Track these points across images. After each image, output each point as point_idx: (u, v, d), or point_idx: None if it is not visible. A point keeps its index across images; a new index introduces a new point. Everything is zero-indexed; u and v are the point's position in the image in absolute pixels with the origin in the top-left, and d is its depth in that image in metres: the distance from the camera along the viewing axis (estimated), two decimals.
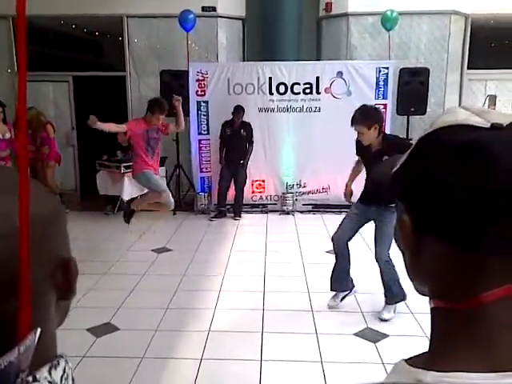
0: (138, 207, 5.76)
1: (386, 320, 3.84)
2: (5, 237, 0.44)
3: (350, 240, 3.99)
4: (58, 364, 0.48)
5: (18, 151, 0.44)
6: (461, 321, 0.54)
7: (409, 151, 0.59)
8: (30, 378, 0.44)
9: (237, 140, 7.00)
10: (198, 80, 7.29)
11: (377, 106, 7.19)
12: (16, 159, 6.71)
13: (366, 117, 3.77)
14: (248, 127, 7.06)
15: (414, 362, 0.56)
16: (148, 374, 3.14)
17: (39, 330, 0.44)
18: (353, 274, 4.96)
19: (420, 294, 0.64)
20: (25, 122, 0.44)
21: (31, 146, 7.21)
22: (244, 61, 8.27)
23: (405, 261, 0.62)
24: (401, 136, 7.60)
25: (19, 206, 0.43)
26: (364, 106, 3.99)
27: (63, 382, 0.48)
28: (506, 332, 0.53)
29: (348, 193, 4.31)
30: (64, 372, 0.48)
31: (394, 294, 3.88)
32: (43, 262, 0.48)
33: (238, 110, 6.94)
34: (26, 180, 0.43)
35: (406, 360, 0.57)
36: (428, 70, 7.29)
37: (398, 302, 3.91)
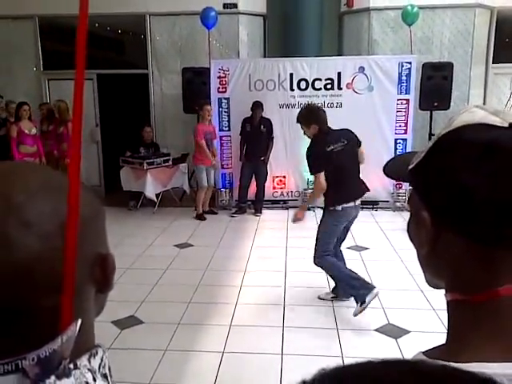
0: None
1: (354, 315, 3.80)
2: (48, 235, 0.47)
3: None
4: (97, 353, 0.51)
5: (68, 152, 0.47)
6: (479, 313, 0.56)
7: (428, 149, 0.60)
8: (72, 365, 0.47)
9: (257, 136, 7.01)
10: (219, 77, 7.33)
11: (399, 100, 7.17)
12: (42, 156, 6.87)
13: (305, 117, 4.04)
14: (268, 123, 7.07)
15: (432, 353, 0.57)
16: (171, 366, 3.21)
17: (80, 320, 0.48)
18: (374, 270, 4.95)
19: (432, 287, 0.66)
20: (78, 122, 0.47)
21: (51, 142, 7.32)
22: (265, 57, 8.28)
23: (419, 256, 0.64)
24: (424, 131, 7.54)
25: (68, 206, 0.46)
26: (307, 107, 4.27)
27: (101, 369, 0.51)
28: None
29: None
30: (102, 361, 0.52)
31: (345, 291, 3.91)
32: (84, 258, 0.50)
33: (257, 105, 6.95)
34: (77, 181, 0.46)
35: (423, 352, 0.59)
36: (451, 64, 7.18)
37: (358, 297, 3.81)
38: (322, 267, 3.97)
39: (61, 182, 0.49)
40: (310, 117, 4.00)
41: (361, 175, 4.09)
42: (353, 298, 3.87)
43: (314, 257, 3.97)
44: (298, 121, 4.10)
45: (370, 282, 3.94)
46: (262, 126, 7.02)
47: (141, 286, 4.52)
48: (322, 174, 3.81)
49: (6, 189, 0.47)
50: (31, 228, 0.46)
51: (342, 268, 3.95)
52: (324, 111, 4.11)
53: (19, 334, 0.46)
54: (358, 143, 4.05)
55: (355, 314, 3.78)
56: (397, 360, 0.31)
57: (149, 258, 5.36)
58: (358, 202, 3.94)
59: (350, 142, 3.95)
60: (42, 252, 0.46)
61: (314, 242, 4.00)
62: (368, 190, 4.07)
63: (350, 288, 3.85)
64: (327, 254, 3.92)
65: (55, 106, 7.31)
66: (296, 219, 4.11)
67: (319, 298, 4.24)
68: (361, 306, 3.76)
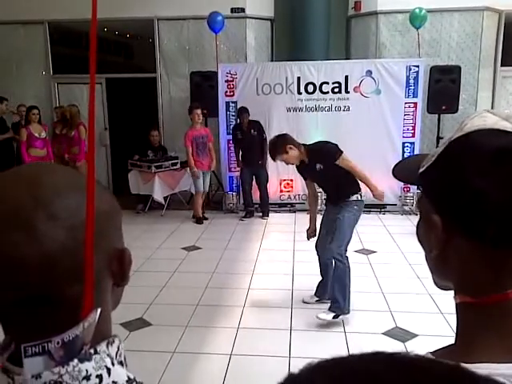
0: None
1: (318, 318, 3.77)
2: (73, 228, 0.51)
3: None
4: (114, 342, 0.55)
5: (87, 154, 0.51)
6: (487, 315, 0.57)
7: (439, 153, 0.61)
8: (92, 351, 0.51)
9: (250, 141, 6.98)
10: (226, 81, 7.37)
11: (407, 104, 7.16)
12: (52, 159, 6.94)
13: (275, 147, 3.95)
14: (257, 126, 7.02)
15: (440, 354, 0.59)
16: (179, 368, 3.22)
17: (99, 309, 0.51)
18: (382, 274, 4.94)
19: (441, 289, 0.67)
20: (93, 122, 0.51)
21: (63, 146, 7.39)
22: (272, 61, 8.30)
23: (428, 258, 0.65)
24: (431, 135, 7.53)
25: (86, 203, 0.50)
26: (270, 142, 4.16)
27: (117, 357, 0.54)
28: None
29: (311, 232, 4.19)
30: (118, 349, 0.55)
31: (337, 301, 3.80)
32: (103, 252, 0.54)
33: (241, 111, 6.94)
34: (93, 179, 0.50)
35: (432, 352, 0.60)
36: (459, 67, 7.17)
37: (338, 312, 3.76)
38: (337, 261, 3.81)
39: (83, 181, 0.52)
40: (279, 143, 3.93)
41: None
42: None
43: (334, 246, 3.80)
44: (272, 157, 4.02)
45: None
46: (253, 130, 7.00)
47: (149, 288, 4.54)
48: (347, 157, 3.81)
49: (36, 186, 0.51)
50: (57, 221, 0.50)
51: (350, 277, 3.85)
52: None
53: (46, 319, 0.50)
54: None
55: (318, 317, 3.77)
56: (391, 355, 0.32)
57: (157, 261, 5.38)
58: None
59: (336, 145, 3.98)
60: (66, 244, 0.50)
61: (333, 235, 3.84)
62: None
63: (342, 298, 3.76)
64: (345, 251, 3.84)
65: (66, 110, 7.38)
66: (311, 235, 4.13)
67: (303, 302, 4.20)
68: (333, 318, 3.74)
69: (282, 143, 3.91)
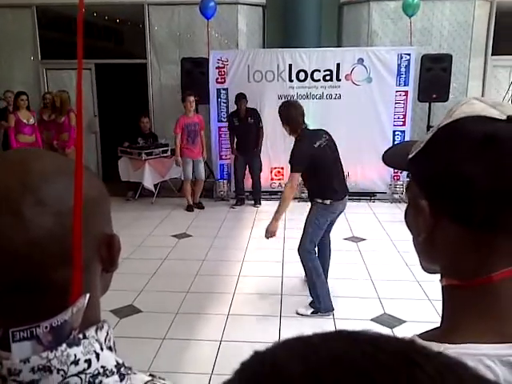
0: None
1: (297, 313, 3.82)
2: (60, 214, 0.51)
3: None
4: (103, 327, 0.55)
5: (75, 139, 0.51)
6: (472, 297, 0.58)
7: (427, 139, 0.62)
8: (81, 335, 0.51)
9: (246, 129, 6.96)
10: (218, 67, 7.31)
11: (398, 92, 7.17)
12: (40, 146, 6.87)
13: (280, 114, 4.15)
14: (255, 114, 7.01)
15: (427, 336, 0.60)
16: (169, 354, 3.24)
17: (88, 295, 0.51)
18: (371, 261, 4.99)
19: (428, 272, 0.68)
20: (81, 108, 0.51)
21: (51, 132, 7.31)
22: (264, 48, 8.25)
23: (415, 243, 0.66)
24: (422, 123, 7.55)
25: (74, 188, 0.50)
26: (284, 104, 4.25)
27: (106, 342, 0.54)
28: None
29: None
30: (107, 334, 0.55)
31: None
32: (92, 236, 0.54)
33: (239, 97, 6.90)
34: (81, 165, 0.50)
35: (418, 335, 0.61)
36: (451, 56, 7.18)
37: (317, 309, 3.79)
38: (302, 259, 3.83)
39: (71, 167, 0.52)
40: (284, 112, 4.02)
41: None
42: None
43: (299, 247, 3.84)
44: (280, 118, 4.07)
45: (332, 306, 3.83)
46: (250, 118, 6.98)
47: (139, 275, 4.54)
48: (299, 175, 3.75)
49: (23, 172, 0.51)
50: (45, 207, 0.50)
51: (320, 275, 3.81)
52: (300, 105, 4.10)
53: (34, 304, 0.50)
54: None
55: (297, 311, 3.81)
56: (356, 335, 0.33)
57: (147, 248, 5.38)
58: (346, 197, 3.90)
59: (330, 136, 3.92)
60: (53, 230, 0.50)
61: (302, 232, 3.87)
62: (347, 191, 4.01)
63: (316, 298, 3.79)
64: (313, 247, 3.83)
65: (57, 96, 7.28)
66: (271, 235, 3.92)
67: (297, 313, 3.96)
68: (311, 313, 3.78)
69: (285, 115, 4.00)
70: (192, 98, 6.74)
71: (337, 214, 3.93)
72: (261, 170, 7.22)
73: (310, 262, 3.79)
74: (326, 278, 3.98)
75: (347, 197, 3.96)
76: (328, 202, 3.77)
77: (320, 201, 3.79)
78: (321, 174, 3.75)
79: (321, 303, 3.77)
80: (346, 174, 4.10)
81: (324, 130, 4.01)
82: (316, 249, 3.91)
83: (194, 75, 7.27)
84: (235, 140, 7.14)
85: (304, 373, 0.28)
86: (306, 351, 0.30)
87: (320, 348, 0.30)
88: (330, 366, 0.28)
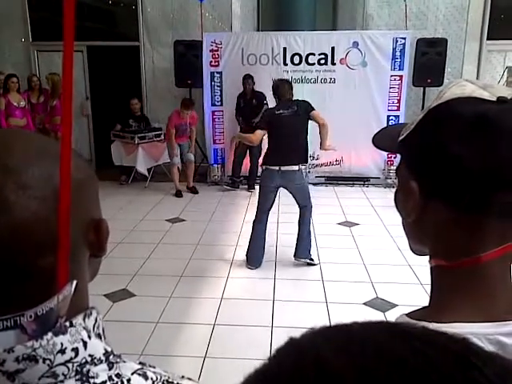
0: None
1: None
2: (45, 198, 0.48)
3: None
4: (91, 314, 0.53)
5: (61, 120, 0.49)
6: (461, 278, 0.59)
7: (418, 120, 0.61)
8: (68, 324, 0.50)
9: (249, 110, 6.92)
10: (211, 50, 7.23)
11: (393, 77, 7.13)
12: (32, 129, 6.80)
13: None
14: (259, 96, 6.94)
15: (415, 315, 0.61)
16: (162, 338, 3.26)
17: (75, 282, 0.50)
18: (364, 246, 5.01)
19: (417, 254, 0.68)
20: (70, 90, 0.48)
21: (42, 115, 7.23)
22: (258, 30, 8.16)
23: (405, 224, 0.66)
24: (417, 108, 7.54)
25: (60, 171, 0.47)
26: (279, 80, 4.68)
27: (95, 329, 0.53)
28: (503, 286, 0.58)
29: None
30: (96, 321, 0.54)
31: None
32: (78, 221, 0.52)
33: (246, 78, 6.86)
34: (69, 147, 0.48)
35: (407, 314, 0.62)
36: (446, 40, 7.14)
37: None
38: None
39: (56, 149, 0.50)
40: (275, 90, 4.46)
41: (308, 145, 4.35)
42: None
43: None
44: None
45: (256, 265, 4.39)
46: (254, 100, 6.95)
47: (133, 259, 4.54)
48: (261, 131, 4.18)
49: (5, 154, 0.49)
50: (28, 190, 0.47)
51: (254, 238, 4.42)
52: (289, 83, 4.49)
53: (18, 292, 0.48)
54: (309, 108, 4.26)
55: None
56: (379, 322, 0.32)
57: (140, 233, 5.37)
58: (284, 168, 4.10)
59: (299, 109, 4.18)
60: (38, 214, 0.47)
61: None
62: (305, 163, 4.35)
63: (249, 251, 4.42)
64: (262, 215, 4.37)
65: (48, 78, 7.18)
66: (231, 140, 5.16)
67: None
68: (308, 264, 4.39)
69: (275, 87, 4.46)
70: (191, 109, 6.76)
71: (275, 184, 4.20)
72: (260, 155, 7.17)
73: (253, 229, 4.42)
74: (304, 241, 4.43)
75: (293, 173, 4.16)
76: (264, 167, 4.24)
77: (264, 167, 4.24)
78: (271, 140, 4.16)
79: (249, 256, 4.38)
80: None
81: (301, 102, 4.34)
82: (266, 216, 4.37)
83: (187, 58, 7.19)
84: (240, 120, 7.09)
85: (354, 371, 0.26)
86: (349, 345, 0.29)
87: (365, 342, 0.29)
88: (380, 363, 0.27)
